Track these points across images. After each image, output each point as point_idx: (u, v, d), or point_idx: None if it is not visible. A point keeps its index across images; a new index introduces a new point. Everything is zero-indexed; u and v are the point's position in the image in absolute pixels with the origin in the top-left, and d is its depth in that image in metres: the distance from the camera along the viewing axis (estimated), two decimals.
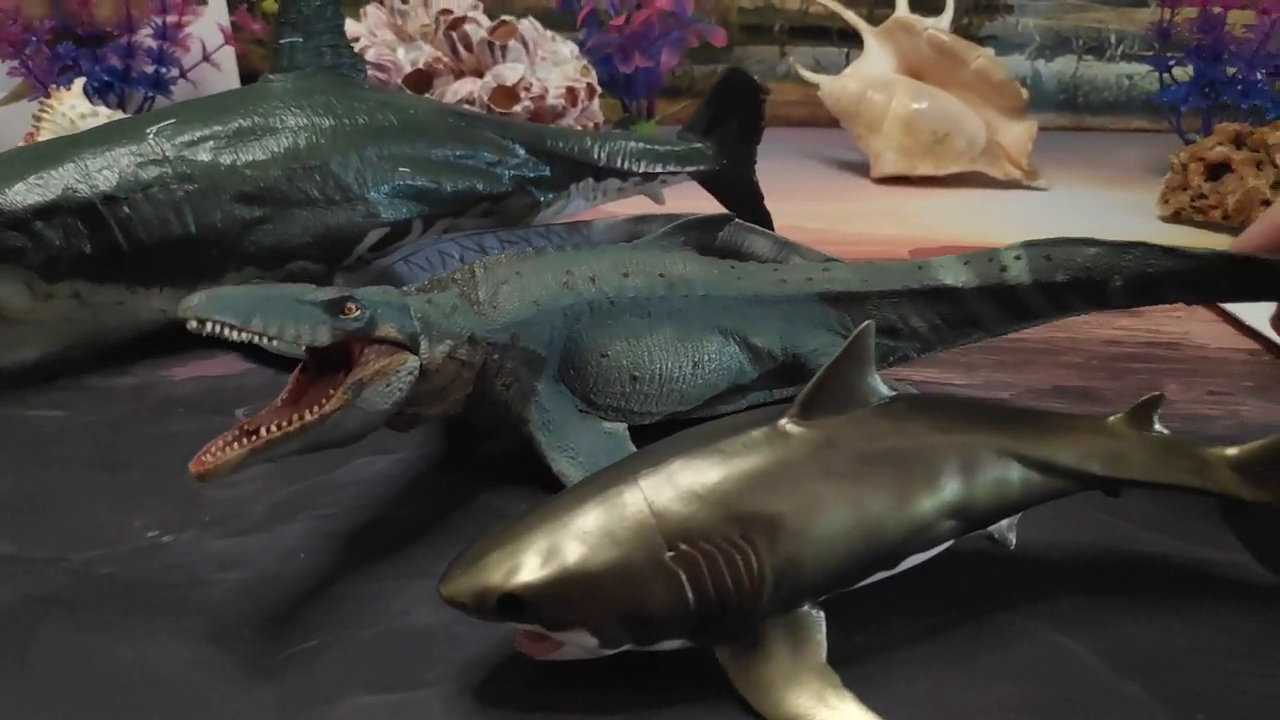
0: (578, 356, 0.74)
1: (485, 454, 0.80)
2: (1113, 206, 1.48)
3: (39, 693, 0.55)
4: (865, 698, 0.52)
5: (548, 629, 0.50)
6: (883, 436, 0.55)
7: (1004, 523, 0.61)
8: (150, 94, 1.64)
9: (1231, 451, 0.60)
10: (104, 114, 1.47)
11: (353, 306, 0.60)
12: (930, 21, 1.56)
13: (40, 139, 1.41)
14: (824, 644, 0.53)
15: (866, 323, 0.55)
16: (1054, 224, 1.37)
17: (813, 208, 1.47)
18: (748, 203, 1.24)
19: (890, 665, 0.56)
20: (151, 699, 0.54)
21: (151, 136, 0.93)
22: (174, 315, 0.96)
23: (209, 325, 0.54)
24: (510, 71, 1.31)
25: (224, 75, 1.74)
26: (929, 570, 0.59)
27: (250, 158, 0.96)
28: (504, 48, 1.34)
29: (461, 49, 1.35)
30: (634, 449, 0.74)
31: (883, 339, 0.82)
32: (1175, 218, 1.38)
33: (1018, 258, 0.79)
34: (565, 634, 0.50)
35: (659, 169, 1.21)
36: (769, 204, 1.27)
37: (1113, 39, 1.95)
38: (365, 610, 0.62)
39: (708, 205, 1.25)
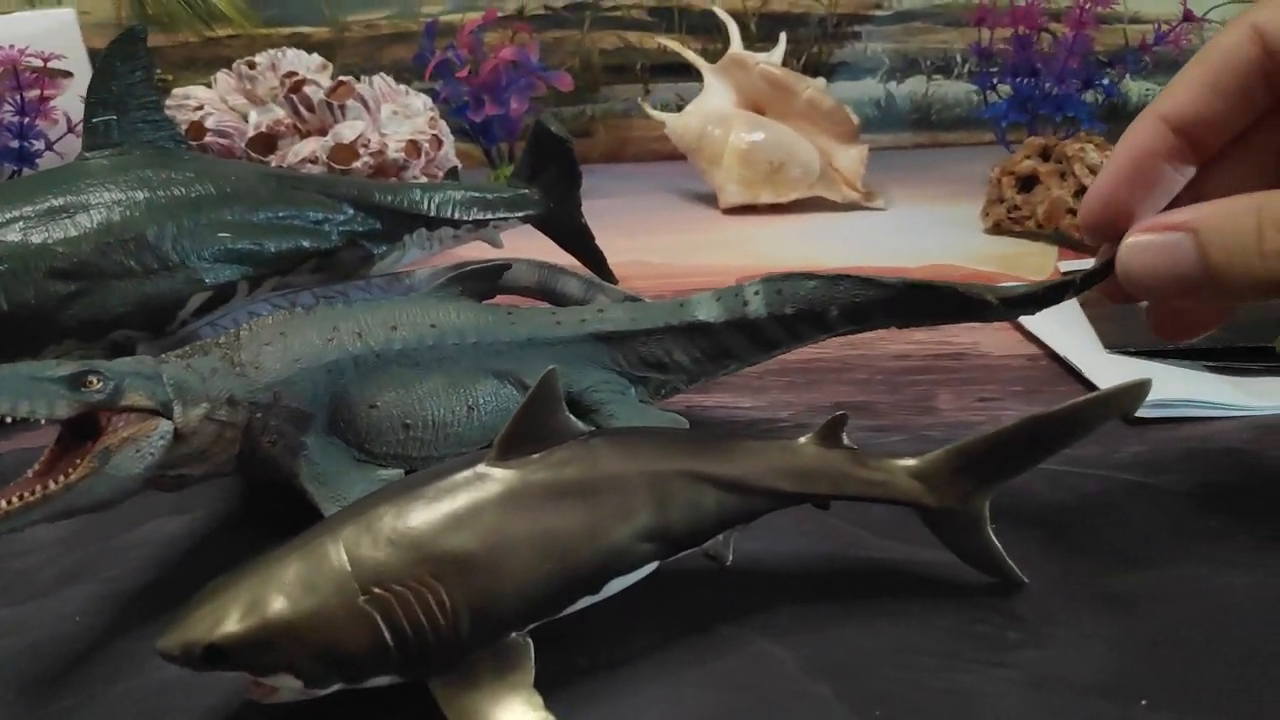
0: (347, 409, 0.78)
1: (280, 510, 0.84)
2: (943, 221, 1.56)
3: None
4: (575, 717, 0.56)
5: (255, 674, 0.54)
6: (574, 470, 0.60)
7: (720, 538, 0.66)
8: (16, 169, 1.66)
9: (912, 462, 0.65)
10: None
11: (94, 379, 0.64)
12: (762, 56, 1.63)
13: None
14: (531, 670, 0.57)
15: (551, 367, 0.60)
16: (888, 242, 1.43)
17: (659, 240, 1.52)
18: (579, 243, 1.29)
19: (608, 684, 0.61)
20: None
21: None
22: None
23: None
24: (348, 130, 1.36)
25: None
26: (653, 588, 0.64)
27: (62, 234, 0.99)
28: (343, 107, 1.39)
29: (304, 110, 1.40)
30: None
31: (653, 373, 0.88)
32: (996, 229, 1.45)
33: (756, 293, 0.85)
34: (273, 678, 0.54)
35: (489, 216, 1.26)
36: (614, 239, 1.33)
37: (959, 58, 2.04)
38: (121, 667, 0.65)
39: (546, 245, 1.30)
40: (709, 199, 1.69)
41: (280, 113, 1.40)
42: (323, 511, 0.75)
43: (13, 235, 0.98)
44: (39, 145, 1.69)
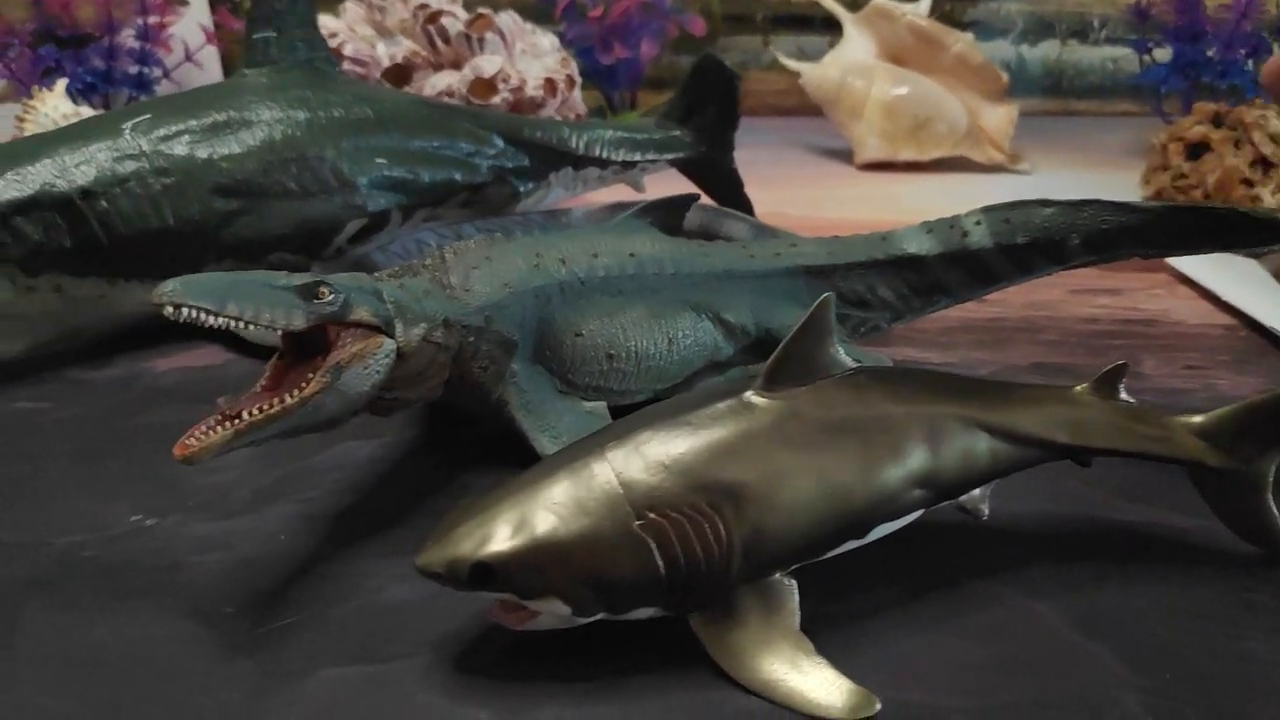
0: (552, 337, 0.74)
1: (466, 437, 0.81)
2: (1095, 188, 1.48)
3: (20, 671, 0.56)
4: (838, 663, 0.52)
5: (520, 597, 0.51)
6: (847, 407, 0.55)
7: (977, 493, 0.61)
8: (134, 94, 1.64)
9: (1197, 419, 0.61)
10: (87, 114, 1.48)
11: (326, 291, 0.61)
12: (909, 7, 1.56)
13: None
14: (796, 611, 0.54)
15: (826, 294, 0.56)
16: None
17: (796, 194, 1.47)
18: (727, 188, 1.25)
19: (863, 632, 0.57)
20: (129, 674, 0.55)
21: (127, 132, 0.94)
22: (155, 308, 0.97)
23: (185, 311, 0.55)
24: (488, 64, 1.31)
25: (207, 74, 1.75)
26: (901, 540, 0.60)
27: (226, 151, 0.97)
28: (481, 40, 1.35)
29: (439, 42, 1.36)
30: None
31: (853, 310, 0.83)
32: (1157, 198, 1.39)
33: (978, 223, 0.80)
34: (538, 602, 0.51)
35: (637, 157, 1.22)
36: (752, 192, 1.28)
37: (1096, 22, 1.96)
38: (341, 587, 0.62)
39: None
40: (840, 154, 1.63)
41: (415, 44, 1.36)
42: (532, 441, 0.72)
43: (179, 149, 0.95)
44: (157, 72, 1.68)
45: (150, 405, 0.87)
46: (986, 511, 0.63)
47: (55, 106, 1.44)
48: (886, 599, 0.60)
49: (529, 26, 1.53)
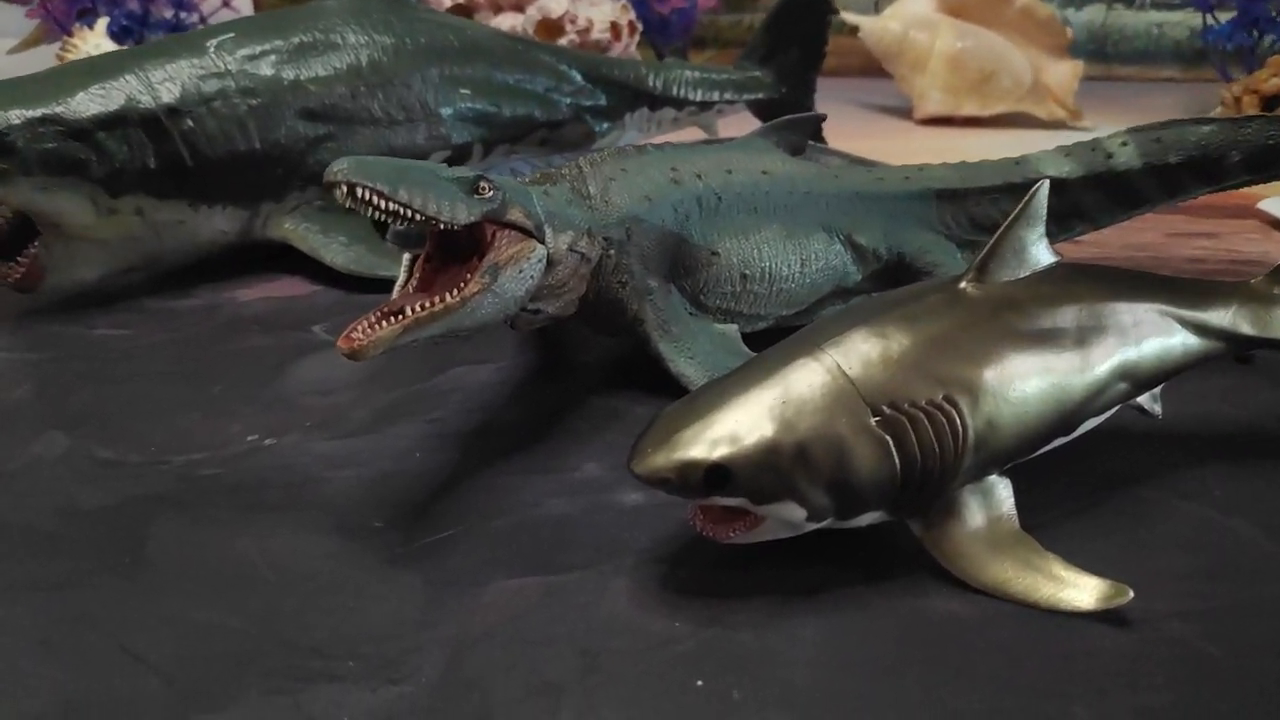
0: (689, 254, 0.71)
1: (576, 361, 0.78)
2: None
3: (162, 584, 0.52)
4: None
5: (753, 502, 0.47)
6: (1058, 300, 0.53)
7: (1148, 395, 0.59)
8: None
9: None
10: None
11: (486, 186, 0.57)
12: None
13: None
14: (1014, 509, 0.51)
15: (1041, 181, 0.53)
16: None
17: (858, 147, 1.43)
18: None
19: (1053, 541, 0.54)
20: (284, 587, 0.52)
21: (212, 50, 0.90)
22: (234, 237, 0.93)
23: (359, 191, 0.51)
24: (555, 4, 1.28)
25: None
26: (1075, 447, 0.57)
27: (313, 74, 0.92)
28: None
29: None
30: (749, 351, 0.71)
31: (985, 236, 0.80)
32: None
33: (1124, 144, 0.77)
34: (771, 507, 0.47)
35: (715, 97, 1.18)
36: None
37: None
38: (494, 502, 0.59)
39: None
40: (897, 111, 1.61)
41: None
42: (667, 362, 0.68)
43: (265, 69, 0.91)
44: (193, 17, 1.62)
45: (239, 333, 0.83)
46: (1160, 411, 0.60)
47: (97, 45, 1.38)
48: (1068, 509, 0.57)
49: None
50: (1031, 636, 0.47)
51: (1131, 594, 0.47)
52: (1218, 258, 1.01)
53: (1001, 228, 0.53)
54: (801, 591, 0.50)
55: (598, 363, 0.77)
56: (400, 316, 0.54)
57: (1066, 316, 0.52)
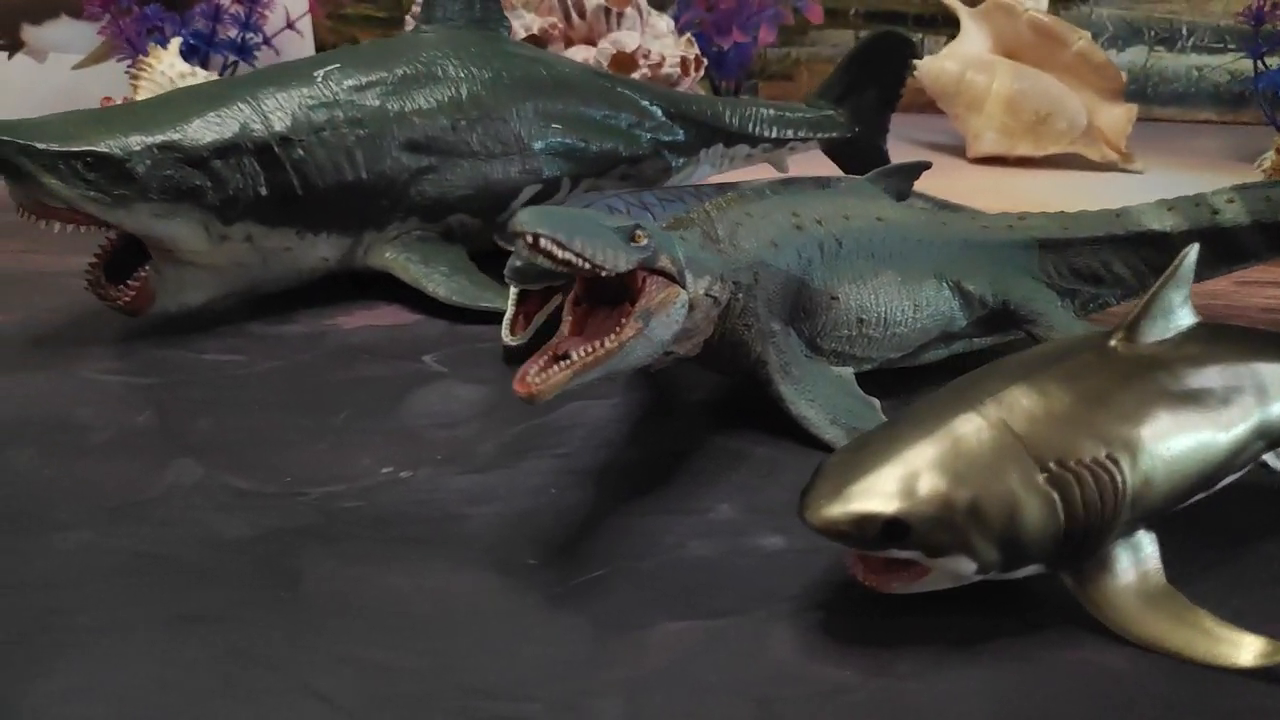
0: (809, 299, 0.72)
1: (690, 399, 0.79)
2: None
3: (326, 620, 0.53)
4: None
5: (927, 555, 0.48)
6: (1203, 360, 0.54)
7: (1272, 453, 0.60)
8: (234, 59, 1.61)
9: None
10: (202, 75, 1.44)
11: (642, 234, 0.59)
12: (1029, 3, 1.56)
13: (138, 98, 1.38)
14: (1161, 565, 0.53)
15: (1191, 246, 0.55)
16: None
17: (917, 184, 1.46)
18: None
19: (1191, 597, 0.55)
20: (451, 625, 0.53)
21: (320, 79, 0.91)
22: (334, 264, 0.94)
23: (542, 241, 0.53)
24: (629, 38, 1.30)
25: (306, 42, 1.72)
26: (1199, 504, 0.58)
27: (417, 105, 0.94)
28: (620, 15, 1.33)
29: (575, 16, 1.34)
30: (865, 394, 0.73)
31: (1085, 286, 0.82)
32: None
33: (1230, 200, 0.79)
34: (943, 560, 0.49)
35: (789, 135, 1.20)
36: None
37: (1184, 30, 1.97)
38: (638, 543, 0.60)
39: (828, 170, 1.24)
40: (948, 148, 1.63)
41: (550, 17, 1.34)
42: (788, 404, 0.70)
43: (372, 99, 0.92)
44: (257, 38, 1.64)
45: (348, 361, 0.85)
46: None
47: (171, 64, 1.40)
48: (1203, 564, 0.58)
49: (645, 7, 1.52)
50: (1191, 692, 0.48)
51: None
52: None
53: (1152, 290, 0.55)
54: (961, 641, 0.52)
55: (707, 401, 0.78)
56: (569, 361, 0.55)
57: (1211, 377, 0.54)
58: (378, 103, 0.92)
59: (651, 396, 0.78)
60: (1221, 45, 1.70)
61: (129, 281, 0.85)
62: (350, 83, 0.92)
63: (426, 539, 0.60)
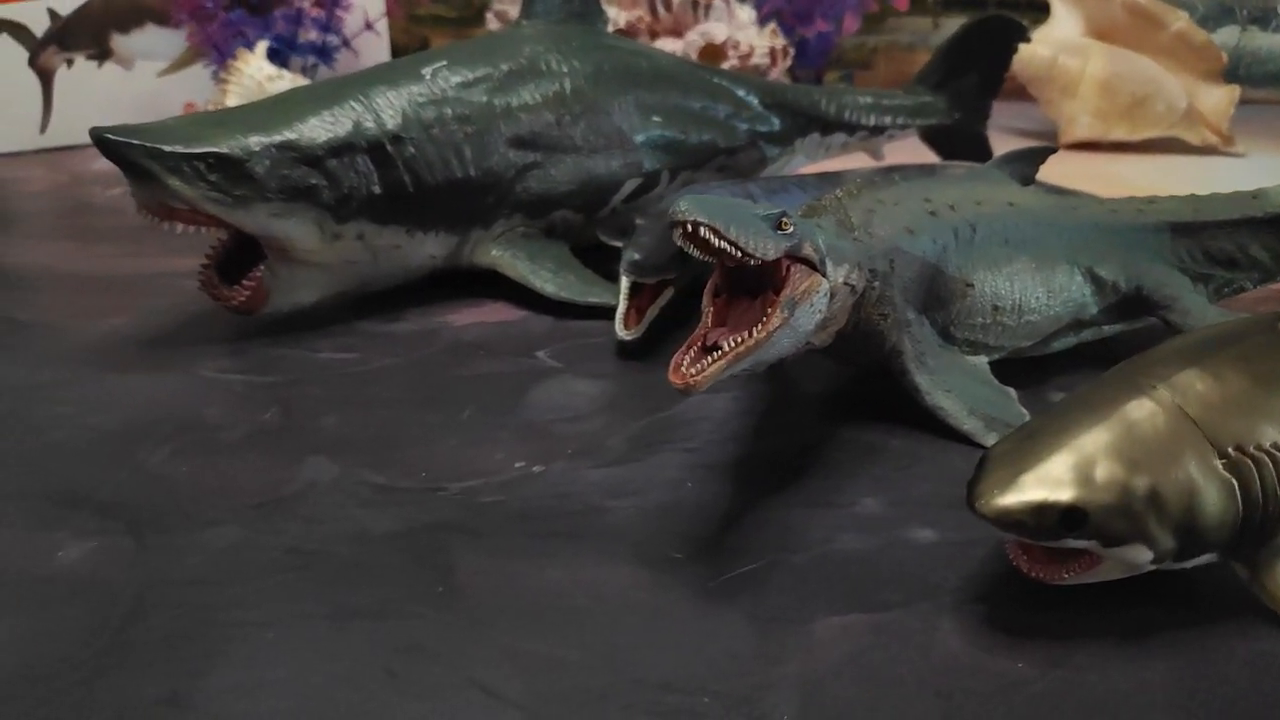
0: (944, 286, 0.71)
1: (810, 390, 0.78)
2: None
3: (486, 614, 0.53)
4: None
5: (1104, 544, 0.47)
6: None
7: None
8: (315, 62, 1.62)
9: None
10: (289, 77, 1.46)
11: (787, 222, 0.57)
12: None
13: (228, 102, 1.40)
14: None
15: None
16: None
17: None
18: (976, 159, 1.20)
19: None
20: (612, 619, 0.52)
21: (429, 76, 0.91)
22: (441, 262, 0.94)
23: (701, 230, 0.52)
24: (717, 30, 1.29)
25: (384, 43, 1.73)
26: None
27: (523, 101, 0.94)
28: (708, 6, 1.32)
29: (661, 8, 1.33)
30: (1000, 384, 0.71)
31: (1219, 270, 0.79)
32: None
33: None
34: (1119, 549, 0.47)
35: (886, 122, 1.18)
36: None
37: (1279, 9, 1.90)
38: (786, 537, 0.59)
39: (923, 157, 1.22)
40: (1040, 135, 1.59)
41: (636, 10, 1.34)
42: (925, 395, 0.68)
43: (479, 96, 0.92)
44: (336, 40, 1.66)
45: (466, 358, 0.85)
46: None
47: (259, 68, 1.42)
48: None
49: None
50: None
51: None
52: None
53: None
54: (1134, 633, 0.50)
55: (830, 393, 0.77)
56: (720, 352, 0.54)
57: None
58: (485, 99, 0.92)
59: (773, 389, 0.77)
60: None
61: (244, 281, 0.86)
62: (457, 79, 0.92)
63: (571, 533, 0.60)
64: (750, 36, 1.40)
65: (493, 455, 0.68)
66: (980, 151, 1.20)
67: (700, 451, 0.68)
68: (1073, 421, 0.49)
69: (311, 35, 1.61)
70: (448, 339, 0.88)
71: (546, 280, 0.91)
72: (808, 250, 0.59)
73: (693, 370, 0.53)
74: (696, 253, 0.54)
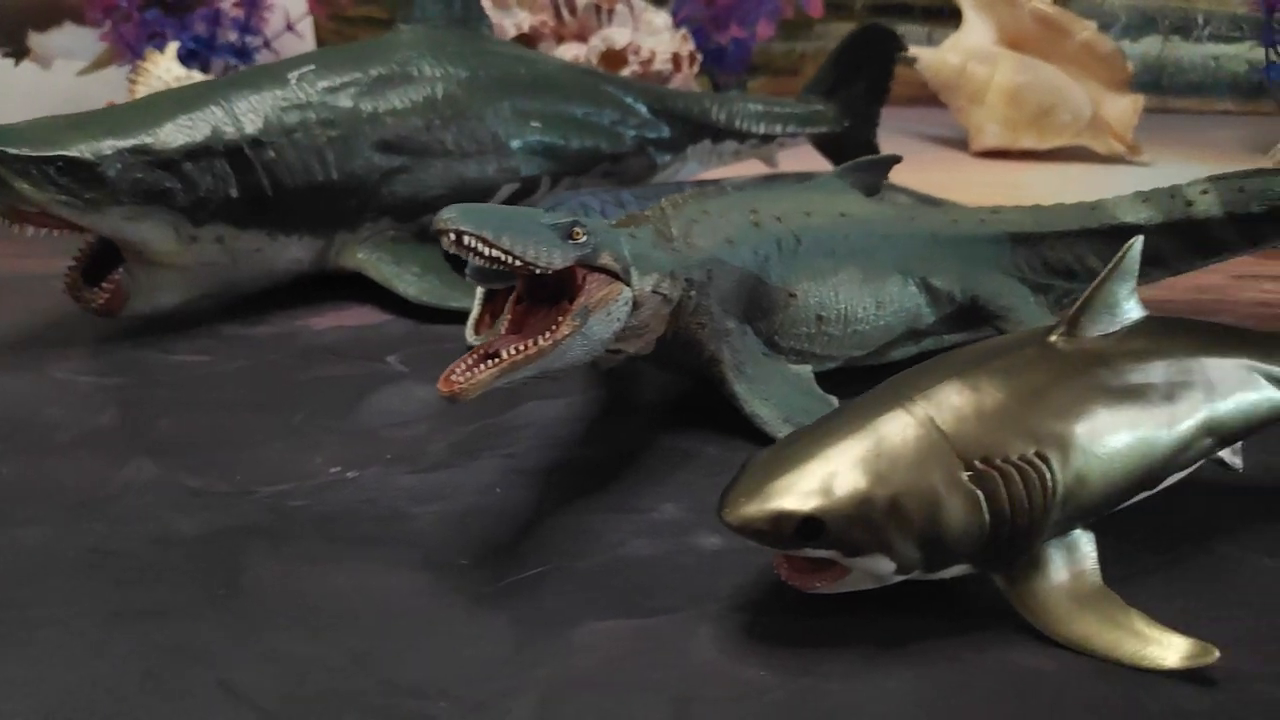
0: (766, 296, 0.71)
1: (644, 400, 0.78)
2: None
3: (260, 617, 0.53)
4: None
5: (844, 554, 0.48)
6: (1147, 354, 0.53)
7: (1228, 449, 0.59)
8: (234, 62, 1.62)
9: None
10: (199, 78, 1.46)
11: (580, 231, 0.58)
12: None
13: None
14: (1098, 565, 0.51)
15: (1136, 238, 0.53)
16: None
17: (914, 179, 1.43)
18: None
19: (1133, 597, 0.53)
20: (381, 624, 0.52)
21: (294, 81, 0.92)
22: (307, 265, 0.95)
23: (465, 238, 0.53)
24: (619, 35, 1.29)
25: (306, 44, 1.73)
26: (1154, 501, 0.57)
27: (390, 106, 0.94)
28: (610, 11, 1.33)
29: (566, 13, 1.34)
30: (823, 392, 0.72)
31: (1059, 280, 0.80)
32: None
33: (1204, 192, 0.77)
34: (861, 559, 0.48)
35: (777, 130, 1.19)
36: None
37: (1200, 19, 1.92)
38: (578, 542, 0.60)
39: (820, 166, 1.23)
40: (953, 142, 1.61)
41: (540, 14, 1.34)
42: (742, 402, 0.69)
43: (345, 100, 0.93)
44: (257, 40, 1.66)
45: (316, 361, 0.85)
46: (1240, 465, 0.60)
47: (167, 69, 1.42)
48: (1150, 564, 0.56)
49: (643, 4, 1.51)
50: (1118, 694, 0.47)
51: (1217, 653, 0.47)
52: None
53: (1094, 283, 0.53)
54: (888, 642, 0.50)
55: (663, 401, 0.78)
56: (497, 359, 0.55)
57: (1155, 372, 0.52)
58: (350, 103, 0.93)
59: (607, 396, 0.78)
60: (1239, 34, 1.66)
61: (103, 284, 0.86)
62: (324, 84, 0.93)
63: (370, 539, 0.60)
64: (661, 42, 1.41)
65: (312, 460, 0.69)
66: None
67: (519, 458, 0.69)
68: (828, 432, 0.50)
69: (231, 36, 1.61)
70: (303, 342, 0.89)
71: (410, 284, 0.92)
72: (606, 259, 0.60)
73: (461, 378, 0.54)
74: (480, 261, 0.55)
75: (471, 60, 1.00)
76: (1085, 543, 0.51)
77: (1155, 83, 1.92)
